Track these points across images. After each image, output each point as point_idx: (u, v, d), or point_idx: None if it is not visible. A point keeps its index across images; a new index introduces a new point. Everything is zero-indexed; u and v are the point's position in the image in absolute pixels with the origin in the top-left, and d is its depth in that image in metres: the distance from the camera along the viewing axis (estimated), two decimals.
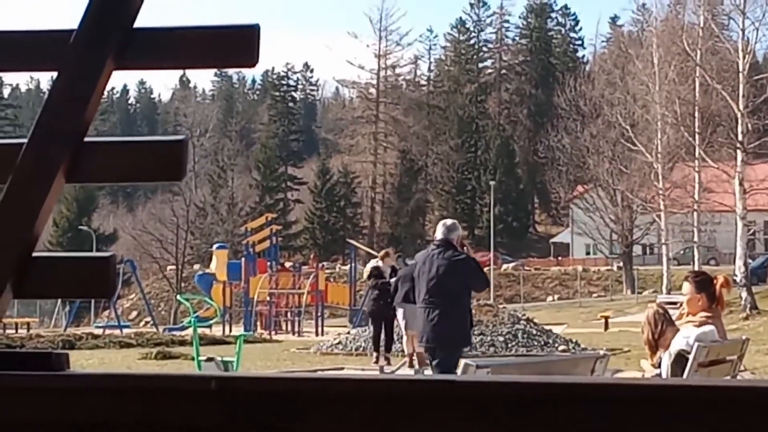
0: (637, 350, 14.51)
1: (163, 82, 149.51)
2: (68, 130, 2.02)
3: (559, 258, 74.46)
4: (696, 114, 39.46)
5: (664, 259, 44.85)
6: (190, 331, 20.30)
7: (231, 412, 1.69)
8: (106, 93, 2.54)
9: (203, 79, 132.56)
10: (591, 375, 5.75)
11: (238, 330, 31.12)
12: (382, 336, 17.30)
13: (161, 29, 2.12)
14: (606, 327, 30.35)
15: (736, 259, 36.07)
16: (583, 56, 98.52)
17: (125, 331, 33.73)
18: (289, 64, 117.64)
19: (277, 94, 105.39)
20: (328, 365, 17.08)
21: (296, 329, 33.79)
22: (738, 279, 33.54)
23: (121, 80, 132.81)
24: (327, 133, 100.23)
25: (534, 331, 19.83)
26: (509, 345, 18.81)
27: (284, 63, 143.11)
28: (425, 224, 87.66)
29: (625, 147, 46.14)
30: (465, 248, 9.86)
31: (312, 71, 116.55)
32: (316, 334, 31.32)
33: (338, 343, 20.71)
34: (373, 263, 18.51)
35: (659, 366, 6.60)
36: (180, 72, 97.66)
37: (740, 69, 36.01)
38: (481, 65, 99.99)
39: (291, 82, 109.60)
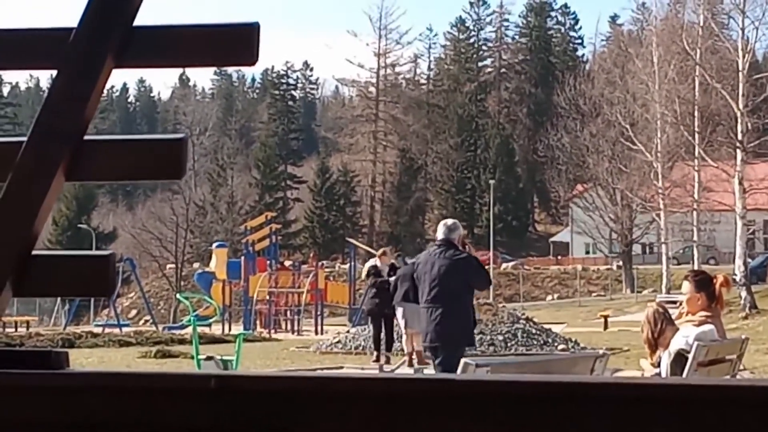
0: (637, 349, 14.51)
1: (162, 81, 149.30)
2: (68, 128, 2.02)
3: (559, 257, 74.46)
4: (696, 113, 39.45)
5: (664, 258, 44.85)
6: (189, 329, 20.30)
7: (230, 411, 1.69)
8: (105, 91, 2.54)
9: (203, 77, 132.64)
10: (590, 374, 5.75)
11: (237, 329, 31.11)
12: (382, 335, 17.29)
13: (161, 28, 2.12)
14: (605, 326, 30.35)
15: (735, 259, 36.08)
16: (583, 55, 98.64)
17: (125, 329, 33.71)
18: (289, 62, 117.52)
19: (276, 92, 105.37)
20: (328, 364, 17.07)
21: (296, 328, 33.80)
22: (737, 278, 33.55)
23: (121, 78, 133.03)
24: (327, 131, 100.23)
25: (533, 331, 19.84)
26: (509, 344, 18.82)
27: (284, 61, 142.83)
28: (425, 223, 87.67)
29: (624, 146, 46.13)
30: (467, 247, 9.86)
31: (312, 70, 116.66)
32: (316, 333, 31.33)
33: (338, 342, 20.71)
34: (371, 262, 18.51)
35: (659, 365, 6.60)
36: (180, 70, 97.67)
37: (740, 68, 36.02)
38: (480, 64, 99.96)
39: (291, 81, 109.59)
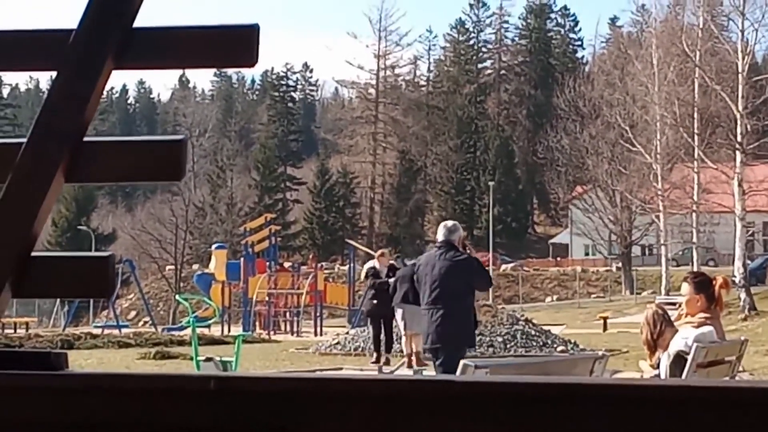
0: (636, 351, 14.52)
1: (162, 82, 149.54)
2: (67, 129, 2.02)
3: (558, 259, 74.45)
4: (695, 115, 39.45)
5: (663, 259, 44.85)
6: (188, 331, 20.30)
7: (230, 412, 1.69)
8: (105, 93, 2.55)
9: (202, 79, 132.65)
10: (590, 375, 5.75)
11: (236, 330, 31.13)
12: (382, 336, 17.29)
13: (160, 29, 2.12)
14: (605, 328, 30.35)
15: (735, 260, 36.08)
16: (583, 57, 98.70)
17: (124, 330, 33.71)
18: (289, 64, 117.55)
19: (276, 94, 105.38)
20: (327, 365, 17.08)
21: (295, 329, 33.79)
22: (737, 280, 33.56)
23: (121, 80, 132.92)
24: (326, 133, 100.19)
25: (533, 332, 19.85)
26: (508, 345, 18.82)
27: (284, 63, 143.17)
28: (424, 224, 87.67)
29: (624, 148, 46.12)
30: (467, 249, 9.88)
31: (311, 71, 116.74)
32: (315, 334, 31.32)
33: (337, 344, 20.71)
34: (370, 264, 18.51)
35: (658, 367, 6.60)
36: (179, 72, 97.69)
37: (739, 70, 36.02)
38: (480, 66, 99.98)
39: (290, 83, 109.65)
